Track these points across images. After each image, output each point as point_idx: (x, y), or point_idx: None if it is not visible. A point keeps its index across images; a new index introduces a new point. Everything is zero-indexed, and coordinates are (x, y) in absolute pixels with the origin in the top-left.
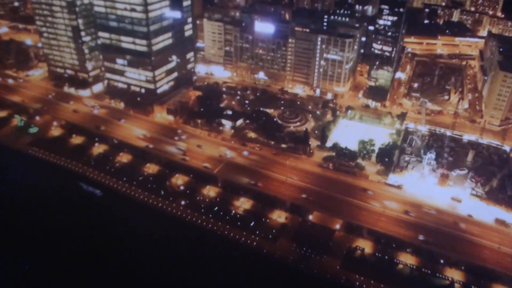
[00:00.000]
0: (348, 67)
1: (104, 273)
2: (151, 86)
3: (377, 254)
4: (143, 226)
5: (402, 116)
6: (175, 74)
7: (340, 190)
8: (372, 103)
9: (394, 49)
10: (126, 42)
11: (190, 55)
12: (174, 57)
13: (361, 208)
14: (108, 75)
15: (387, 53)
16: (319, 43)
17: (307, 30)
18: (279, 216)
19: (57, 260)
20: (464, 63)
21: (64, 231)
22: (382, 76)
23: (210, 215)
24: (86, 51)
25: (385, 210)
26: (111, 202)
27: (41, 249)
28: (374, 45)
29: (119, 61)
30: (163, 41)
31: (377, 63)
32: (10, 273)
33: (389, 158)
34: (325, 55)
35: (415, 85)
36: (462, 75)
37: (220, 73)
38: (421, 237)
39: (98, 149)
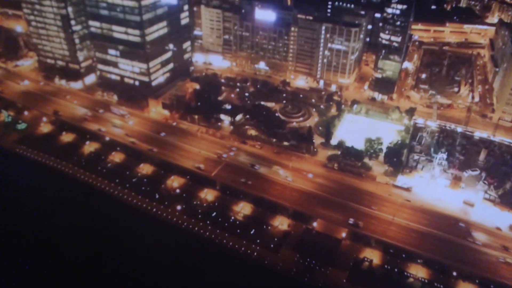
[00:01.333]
0: (353, 58)
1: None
2: (146, 79)
3: (386, 266)
4: (136, 232)
5: (410, 112)
6: (171, 65)
7: (346, 194)
8: (379, 96)
9: (403, 39)
10: (118, 32)
11: (187, 44)
12: (169, 47)
13: (369, 216)
14: (100, 66)
15: (395, 44)
16: (323, 32)
17: (311, 18)
18: (281, 223)
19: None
20: (473, 52)
21: (54, 233)
22: (390, 67)
23: (208, 222)
24: (77, 41)
25: (394, 218)
26: (102, 207)
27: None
28: (382, 35)
29: (111, 51)
30: (157, 30)
31: (384, 53)
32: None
33: (397, 158)
34: (329, 44)
35: (423, 75)
36: (472, 66)
37: (219, 63)
38: (431, 248)
39: (90, 147)
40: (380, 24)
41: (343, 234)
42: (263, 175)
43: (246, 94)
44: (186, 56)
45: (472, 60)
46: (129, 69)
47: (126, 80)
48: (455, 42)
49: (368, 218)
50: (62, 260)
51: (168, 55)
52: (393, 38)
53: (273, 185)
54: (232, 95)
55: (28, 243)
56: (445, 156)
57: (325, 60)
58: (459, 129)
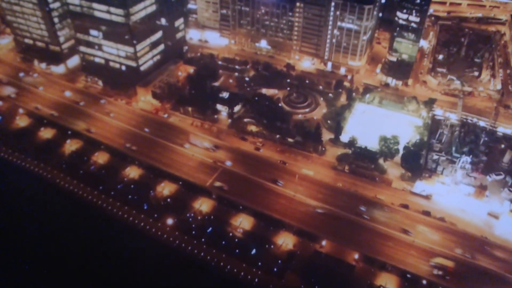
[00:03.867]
0: (365, 38)
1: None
2: (133, 64)
3: None
4: (120, 252)
5: (430, 103)
6: (161, 47)
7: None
8: (392, 81)
9: (423, 19)
10: (100, 10)
11: (179, 22)
12: (160, 26)
13: (386, 237)
14: (81, 48)
15: (413, 24)
16: (332, 8)
17: None
18: (285, 242)
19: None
20: (493, 29)
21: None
22: (406, 50)
23: (203, 239)
24: (56, 20)
25: (415, 240)
26: (83, 220)
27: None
28: (399, 13)
29: (93, 32)
30: (144, 8)
31: (400, 34)
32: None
33: (416, 161)
34: (339, 23)
35: (440, 56)
36: (493, 46)
37: (216, 40)
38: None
39: (71, 146)
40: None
41: (356, 256)
42: (266, 185)
43: (246, 78)
44: (178, 35)
45: (492, 39)
46: (114, 53)
47: (111, 64)
48: (474, 17)
49: (383, 240)
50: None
51: (158, 35)
52: (411, 18)
53: (277, 197)
54: (230, 80)
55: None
56: (469, 159)
57: (333, 40)
58: (482, 123)
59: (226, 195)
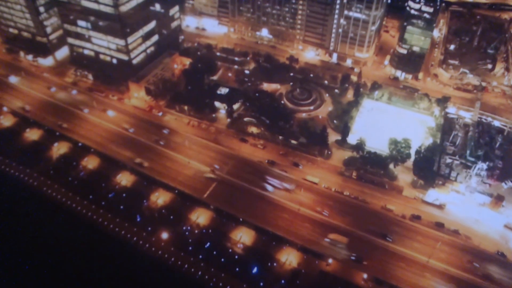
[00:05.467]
0: (374, 28)
1: None
2: (124, 57)
3: None
4: (113, 271)
5: (443, 101)
6: (155, 38)
7: (368, 223)
8: (402, 75)
9: (436, 9)
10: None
11: (174, 10)
12: (152, 16)
13: (397, 257)
14: (70, 40)
15: (426, 15)
16: None
17: None
18: (289, 260)
19: None
20: (507, 17)
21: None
22: (418, 42)
23: (200, 256)
24: (41, 9)
25: (429, 260)
26: (73, 234)
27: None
28: (410, 2)
29: (81, 23)
30: None
31: (412, 24)
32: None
33: (429, 167)
34: (346, 12)
35: (451, 46)
36: (506, 36)
37: (214, 28)
38: None
39: (59, 150)
40: None
41: (364, 275)
42: (268, 197)
43: (246, 71)
44: (174, 24)
45: (505, 28)
46: (104, 45)
47: (102, 57)
48: (486, 2)
49: (395, 259)
50: None
51: (152, 25)
52: (424, 8)
53: (279, 211)
54: (230, 74)
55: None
56: (485, 166)
57: (340, 30)
58: (497, 123)
59: (224, 209)
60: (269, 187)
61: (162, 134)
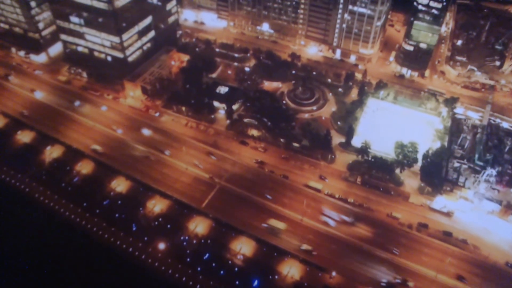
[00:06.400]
0: (379, 24)
1: None
2: (119, 54)
3: None
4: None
5: (451, 102)
6: (152, 34)
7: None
8: (407, 72)
9: (446, 4)
10: None
11: (172, 4)
12: (149, 11)
13: (406, 271)
14: (63, 36)
15: (435, 11)
16: None
17: None
18: (291, 272)
19: None
20: None
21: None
22: (425, 38)
23: (199, 268)
24: (33, 3)
25: (437, 275)
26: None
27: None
28: None
29: (74, 19)
30: None
31: (419, 20)
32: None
33: (437, 172)
34: (350, 6)
35: (459, 42)
36: None
37: (213, 22)
38: None
39: (52, 153)
40: None
41: None
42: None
43: (247, 69)
44: (171, 19)
45: None
46: (98, 42)
47: (96, 54)
48: None
49: (403, 273)
50: None
51: (148, 21)
52: (432, 3)
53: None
54: (229, 72)
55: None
56: (494, 172)
57: (344, 26)
58: (506, 124)
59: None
60: (330, 222)
61: (159, 137)
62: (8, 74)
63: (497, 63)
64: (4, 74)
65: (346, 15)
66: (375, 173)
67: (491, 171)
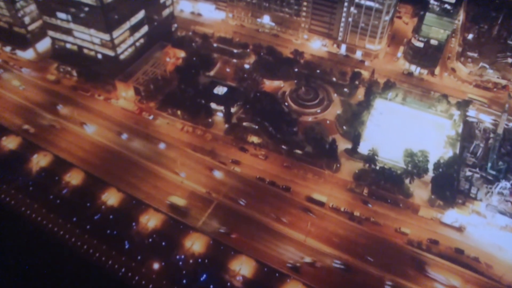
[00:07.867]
0: (388, 19)
1: None
2: (110, 52)
3: None
4: None
5: (464, 105)
6: (145, 29)
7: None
8: (416, 70)
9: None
10: None
11: None
12: (141, 5)
13: None
14: (50, 33)
15: (447, 6)
16: None
17: None
18: None
19: None
20: None
21: None
22: (437, 34)
23: None
24: None
25: None
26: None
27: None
28: None
29: (61, 15)
30: None
31: (430, 17)
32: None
33: (449, 184)
34: (357, 0)
35: (470, 36)
36: None
37: (211, 14)
38: None
39: (39, 161)
40: None
41: None
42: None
43: (246, 66)
44: (165, 12)
45: None
46: (87, 39)
47: (86, 51)
48: None
49: None
50: None
51: (140, 15)
52: None
53: (283, 240)
54: (228, 69)
55: None
56: (509, 184)
57: (350, 20)
58: None
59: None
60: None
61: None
62: None
63: (510, 60)
64: None
65: (352, 9)
66: (383, 183)
67: (506, 184)
